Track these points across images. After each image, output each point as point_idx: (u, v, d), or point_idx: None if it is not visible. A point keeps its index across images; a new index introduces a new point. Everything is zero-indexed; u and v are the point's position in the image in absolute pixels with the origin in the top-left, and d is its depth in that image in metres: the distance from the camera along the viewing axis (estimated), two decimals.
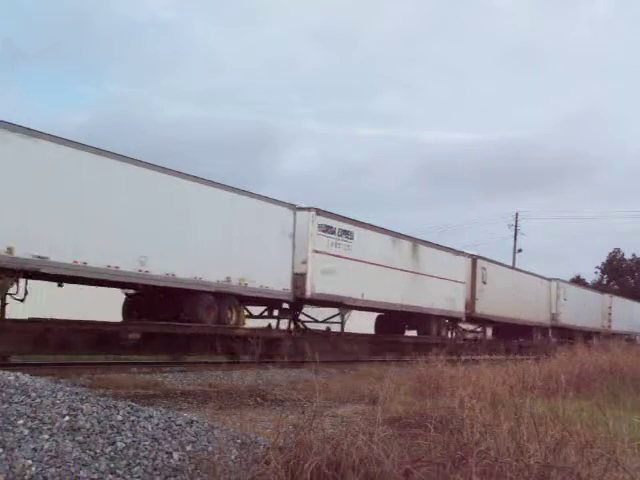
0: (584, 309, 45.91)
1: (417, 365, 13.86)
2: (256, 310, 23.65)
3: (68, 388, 6.38)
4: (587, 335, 44.88)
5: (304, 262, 22.58)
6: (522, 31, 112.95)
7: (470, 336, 34.54)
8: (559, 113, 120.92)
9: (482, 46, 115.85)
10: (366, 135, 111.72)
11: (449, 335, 32.72)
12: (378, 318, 30.48)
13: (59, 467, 4.79)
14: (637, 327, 55.81)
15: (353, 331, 27.60)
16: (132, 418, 5.80)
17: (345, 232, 24.37)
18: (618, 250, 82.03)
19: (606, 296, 52.16)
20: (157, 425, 5.80)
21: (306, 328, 24.92)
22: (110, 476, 4.86)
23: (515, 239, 61.17)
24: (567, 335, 43.90)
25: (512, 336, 38.81)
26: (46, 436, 5.15)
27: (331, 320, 25.52)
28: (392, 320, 29.57)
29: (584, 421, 6.28)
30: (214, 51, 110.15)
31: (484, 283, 34.08)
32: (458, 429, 5.68)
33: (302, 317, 25.16)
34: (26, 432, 5.15)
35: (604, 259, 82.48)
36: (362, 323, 30.78)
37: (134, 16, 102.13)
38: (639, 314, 57.51)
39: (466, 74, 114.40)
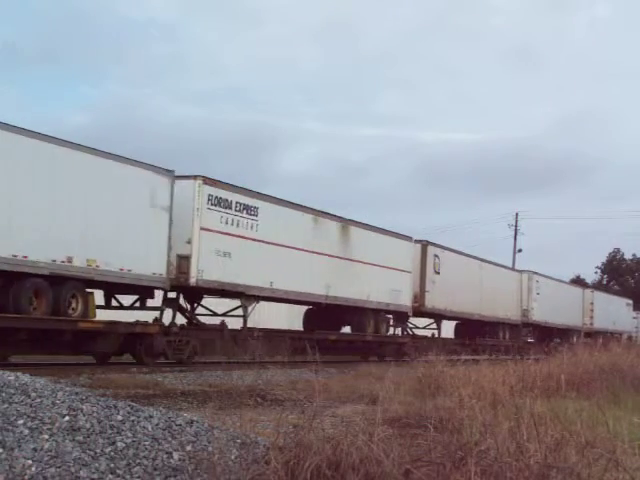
0: (562, 305, 42.14)
1: (417, 365, 13.86)
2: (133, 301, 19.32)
3: (68, 388, 6.39)
4: (564, 333, 42.90)
5: (189, 242, 18.65)
6: (521, 32, 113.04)
7: (426, 334, 31.21)
8: (558, 113, 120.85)
9: (482, 46, 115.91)
10: (366, 135, 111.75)
11: (394, 332, 29.19)
12: (307, 312, 26.31)
13: (59, 467, 4.79)
14: (623, 324, 52.61)
15: (278, 327, 24.96)
16: (132, 418, 5.80)
17: (247, 207, 20.17)
18: (618, 250, 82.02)
19: (587, 291, 48.69)
20: (157, 425, 5.80)
21: (198, 322, 20.79)
22: (110, 476, 4.86)
23: (515, 239, 61.16)
24: (544, 333, 41.63)
25: (477, 334, 34.99)
26: (46, 436, 5.15)
27: (232, 313, 21.30)
28: (324, 315, 25.21)
29: (584, 421, 6.28)
30: (214, 51, 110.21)
31: (437, 273, 29.66)
32: (458, 429, 5.68)
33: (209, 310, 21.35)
34: (26, 432, 5.15)
35: (604, 259, 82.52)
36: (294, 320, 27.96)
37: (135, 16, 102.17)
38: (625, 311, 54.78)
39: (466, 74, 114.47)
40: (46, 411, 5.54)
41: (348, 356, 26.02)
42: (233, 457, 5.36)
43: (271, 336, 22.03)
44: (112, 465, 4.98)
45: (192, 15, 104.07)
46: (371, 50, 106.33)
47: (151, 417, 5.92)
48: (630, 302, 56.84)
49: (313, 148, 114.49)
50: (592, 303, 47.07)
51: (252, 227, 20.40)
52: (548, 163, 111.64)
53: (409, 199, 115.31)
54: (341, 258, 24.35)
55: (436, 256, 29.86)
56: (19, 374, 6.43)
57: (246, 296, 20.58)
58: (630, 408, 9.65)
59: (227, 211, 19.57)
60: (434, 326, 31.49)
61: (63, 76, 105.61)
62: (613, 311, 50.28)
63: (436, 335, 30.89)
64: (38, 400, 5.74)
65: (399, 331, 29.92)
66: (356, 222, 25.45)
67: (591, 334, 44.88)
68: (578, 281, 66.93)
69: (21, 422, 5.29)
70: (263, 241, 20.78)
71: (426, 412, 8.18)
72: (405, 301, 27.88)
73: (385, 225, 27.98)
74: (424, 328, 31.37)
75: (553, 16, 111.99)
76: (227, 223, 19.56)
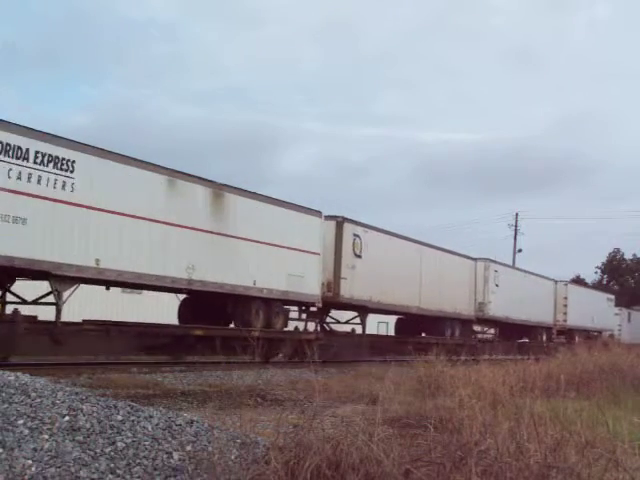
0: (528, 298, 37.05)
1: (417, 365, 13.86)
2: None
3: (68, 388, 6.39)
4: (532, 331, 39.54)
5: None
6: (521, 32, 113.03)
7: (349, 330, 25.89)
8: (558, 114, 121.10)
9: (482, 47, 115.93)
10: (366, 135, 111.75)
11: (305, 327, 23.64)
12: (182, 303, 21.05)
13: (59, 467, 4.79)
14: (603, 322, 48.19)
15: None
16: (132, 418, 5.80)
17: (55, 160, 15.29)
18: (618, 250, 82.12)
19: (560, 284, 43.31)
20: (157, 425, 5.80)
21: None
22: (110, 476, 4.86)
23: (515, 239, 61.18)
24: (510, 331, 37.12)
25: (418, 331, 30.31)
26: (46, 436, 5.15)
27: (43, 300, 16.32)
28: (202, 306, 20.48)
29: (584, 421, 6.28)
30: (215, 51, 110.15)
31: (357, 256, 24.41)
32: (458, 429, 5.68)
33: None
34: (26, 432, 5.15)
35: (604, 259, 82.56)
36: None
37: (135, 16, 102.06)
38: (605, 307, 49.99)
39: (466, 74, 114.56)
40: (46, 411, 5.54)
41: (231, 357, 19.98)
42: (233, 457, 5.36)
43: (109, 331, 17.03)
44: (112, 465, 4.98)
45: (192, 15, 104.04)
46: (371, 50, 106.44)
47: (151, 417, 5.93)
48: (612, 297, 53.04)
49: (313, 148, 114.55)
50: (566, 297, 42.60)
51: (64, 186, 15.56)
52: (548, 163, 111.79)
53: (409, 199, 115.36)
54: (213, 233, 19.00)
55: (357, 236, 24.54)
56: (19, 374, 6.44)
57: (56, 277, 15.63)
58: (630, 408, 9.65)
59: (18, 162, 14.69)
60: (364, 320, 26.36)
61: (63, 76, 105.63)
62: (591, 307, 45.69)
63: (359, 331, 25.57)
64: (38, 400, 5.74)
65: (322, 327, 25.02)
66: (238, 189, 20.10)
67: (565, 332, 42.69)
68: (578, 281, 66.96)
69: (21, 422, 5.29)
70: (83, 205, 15.96)
71: (426, 412, 8.18)
72: (311, 289, 22.42)
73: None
74: (346, 323, 26.47)
75: (553, 16, 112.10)
76: (20, 179, 14.75)
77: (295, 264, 21.81)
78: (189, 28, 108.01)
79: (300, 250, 22.01)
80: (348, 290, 24.07)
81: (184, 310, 20.95)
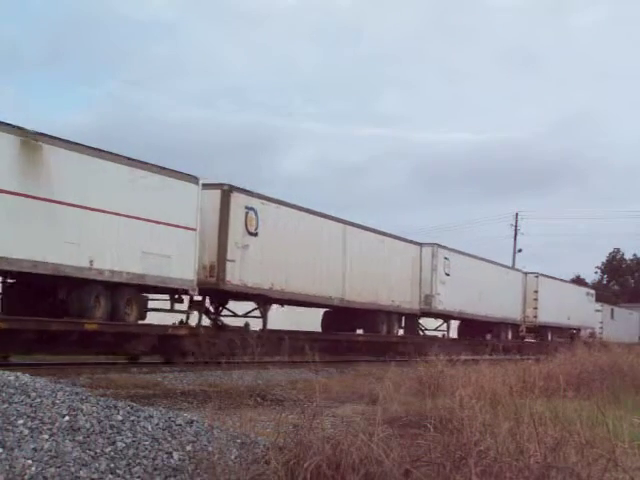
0: (490, 291, 32.64)
1: (417, 365, 13.86)
2: None
3: (68, 388, 6.39)
4: (492, 327, 35.34)
5: None
6: (521, 33, 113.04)
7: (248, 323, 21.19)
8: (558, 114, 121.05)
9: (481, 47, 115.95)
10: (366, 135, 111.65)
11: (186, 321, 19.30)
12: (3, 291, 16.77)
13: (59, 467, 4.79)
14: (581, 318, 43.90)
15: None
16: (132, 418, 5.80)
17: None
18: (618, 250, 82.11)
19: (531, 276, 38.63)
20: (157, 425, 5.81)
21: None
22: (110, 476, 4.86)
23: (515, 239, 61.13)
24: (471, 328, 33.51)
25: (351, 327, 26.06)
26: (46, 436, 5.15)
27: None
28: (29, 293, 16.40)
29: (584, 421, 6.28)
30: (215, 51, 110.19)
31: (252, 235, 20.03)
32: (458, 429, 5.68)
33: None
34: (26, 432, 5.16)
35: (604, 259, 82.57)
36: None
37: (136, 16, 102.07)
38: (584, 302, 45.49)
39: (465, 75, 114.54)
40: (46, 411, 5.54)
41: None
42: (233, 457, 5.36)
43: None
44: (112, 465, 4.98)
45: (193, 15, 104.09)
46: (371, 50, 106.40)
47: (151, 417, 5.93)
48: (592, 292, 48.84)
49: (313, 148, 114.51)
50: (536, 291, 38.12)
51: None
52: (548, 163, 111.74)
53: (409, 199, 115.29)
54: (25, 196, 14.75)
55: (250, 210, 20.07)
56: (19, 374, 6.43)
57: None
58: (630, 408, 9.65)
59: None
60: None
61: (63, 76, 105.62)
62: (568, 302, 41.27)
63: (255, 325, 21.13)
64: (38, 400, 5.74)
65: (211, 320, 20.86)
66: (62, 140, 15.66)
67: (535, 329, 38.80)
68: (578, 281, 66.88)
69: (21, 422, 5.29)
70: None
71: (426, 412, 8.18)
72: (182, 273, 18.15)
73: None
74: (245, 315, 21.86)
75: (552, 17, 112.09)
76: None
77: (156, 241, 17.43)
78: (190, 29, 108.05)
79: (165, 224, 17.62)
80: (236, 276, 19.56)
81: (10, 298, 16.47)
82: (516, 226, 61.25)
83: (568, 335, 41.56)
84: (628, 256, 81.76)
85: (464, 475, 4.76)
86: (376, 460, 4.86)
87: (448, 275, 29.45)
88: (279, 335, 20.76)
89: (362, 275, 24.65)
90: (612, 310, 53.84)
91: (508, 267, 37.58)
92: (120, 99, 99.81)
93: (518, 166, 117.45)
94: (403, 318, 28.70)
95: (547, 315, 38.88)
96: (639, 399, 11.28)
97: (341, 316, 25.60)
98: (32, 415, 5.44)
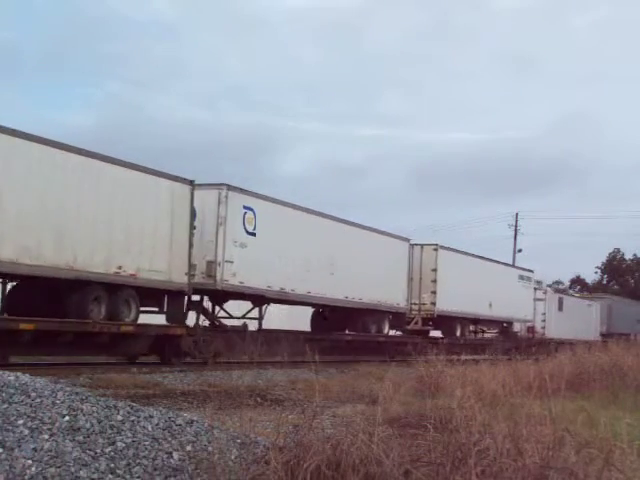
0: (344, 265, 23.28)
1: (417, 365, 13.88)
2: None
3: (68, 388, 6.39)
4: (357, 318, 24.31)
5: None
6: (520, 33, 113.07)
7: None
8: (557, 114, 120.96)
9: (481, 48, 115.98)
10: (366, 135, 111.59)
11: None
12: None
13: (59, 467, 4.80)
14: (511, 308, 33.53)
15: None
16: (132, 418, 5.80)
17: None
18: (618, 250, 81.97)
19: (428, 248, 28.69)
20: (157, 425, 5.81)
21: None
22: (110, 476, 4.87)
23: (515, 239, 61.03)
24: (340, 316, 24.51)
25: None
26: (46, 436, 5.15)
27: None
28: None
29: (583, 421, 6.29)
30: (216, 52, 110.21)
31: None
32: (458, 429, 5.69)
33: None
34: (26, 432, 5.16)
35: (604, 259, 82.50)
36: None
37: (137, 17, 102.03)
38: (517, 287, 34.79)
39: (465, 75, 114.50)
40: (46, 411, 5.55)
41: None
42: (233, 457, 5.37)
43: None
44: (112, 465, 4.99)
45: (193, 16, 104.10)
46: (372, 50, 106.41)
47: (151, 417, 5.93)
48: (529, 275, 36.83)
49: (313, 148, 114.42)
50: (435, 269, 28.08)
51: None
52: (548, 163, 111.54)
53: (409, 199, 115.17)
54: None
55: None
56: (19, 374, 6.44)
57: None
58: (630, 408, 9.66)
59: None
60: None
61: (65, 77, 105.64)
62: (489, 286, 30.84)
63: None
64: (38, 400, 5.75)
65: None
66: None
67: (433, 319, 28.75)
68: (578, 281, 66.83)
69: (21, 422, 5.29)
70: None
71: (426, 412, 8.18)
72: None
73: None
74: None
75: (552, 18, 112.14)
76: None
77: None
78: (190, 29, 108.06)
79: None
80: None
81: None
82: (516, 226, 61.16)
83: (499, 329, 33.93)
84: (628, 256, 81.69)
85: (464, 475, 4.77)
86: (376, 460, 4.87)
87: (255, 235, 20.02)
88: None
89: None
90: (560, 299, 41.13)
91: (381, 232, 26.17)
92: (121, 100, 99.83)
93: (518, 166, 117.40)
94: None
95: (451, 302, 28.40)
96: (639, 399, 11.29)
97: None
98: (32, 415, 5.44)
